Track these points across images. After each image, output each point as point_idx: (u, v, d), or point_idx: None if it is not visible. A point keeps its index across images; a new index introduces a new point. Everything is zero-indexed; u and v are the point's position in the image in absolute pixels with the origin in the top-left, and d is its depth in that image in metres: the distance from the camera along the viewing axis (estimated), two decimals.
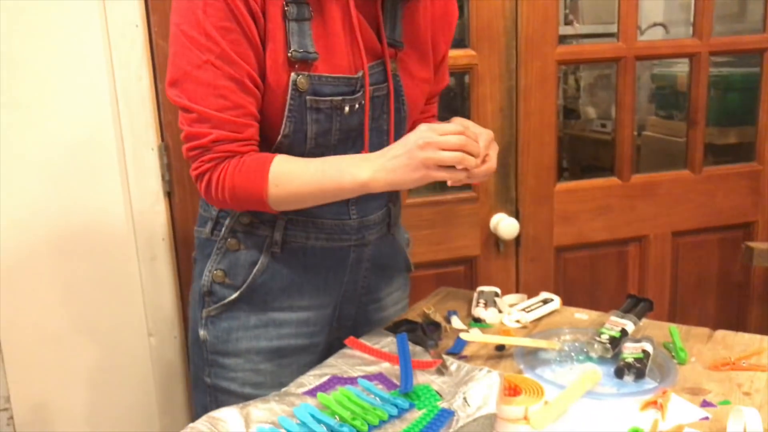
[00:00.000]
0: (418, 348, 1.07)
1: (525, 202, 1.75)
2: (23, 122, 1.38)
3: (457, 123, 0.97)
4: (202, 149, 0.96)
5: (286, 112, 0.97)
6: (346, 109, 1.01)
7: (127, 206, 1.47)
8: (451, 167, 0.93)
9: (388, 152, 0.95)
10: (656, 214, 1.86)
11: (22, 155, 1.39)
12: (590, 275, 1.85)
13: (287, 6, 0.96)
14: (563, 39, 1.72)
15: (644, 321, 1.19)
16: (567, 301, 1.30)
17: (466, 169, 0.93)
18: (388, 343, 1.09)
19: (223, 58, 0.93)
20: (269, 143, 1.01)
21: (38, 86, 1.38)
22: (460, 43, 1.63)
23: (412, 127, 1.01)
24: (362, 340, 1.09)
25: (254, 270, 1.07)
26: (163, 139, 1.48)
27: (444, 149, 0.91)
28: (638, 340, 1.07)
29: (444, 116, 1.18)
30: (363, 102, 1.02)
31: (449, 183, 0.96)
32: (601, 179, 1.85)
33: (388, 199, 1.16)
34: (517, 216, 1.74)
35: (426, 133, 0.92)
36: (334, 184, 0.95)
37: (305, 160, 0.98)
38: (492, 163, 0.99)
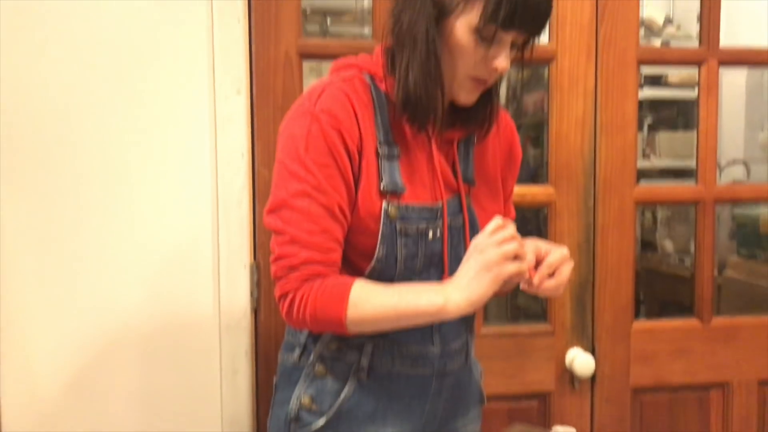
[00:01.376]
0: None
1: (601, 339, 1.73)
2: (129, 233, 1.51)
3: (529, 243, 1.05)
4: (290, 269, 1.04)
5: (379, 238, 1.06)
6: (430, 234, 1.09)
7: (216, 319, 1.56)
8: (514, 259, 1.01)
9: (458, 275, 1.02)
10: (739, 360, 1.79)
11: (123, 262, 1.51)
12: (669, 420, 1.78)
13: (380, 146, 1.08)
14: (640, 173, 1.77)
15: None
16: None
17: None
18: None
19: (318, 188, 1.04)
20: (361, 271, 1.08)
21: (147, 200, 1.52)
22: (538, 179, 1.69)
23: None
24: None
25: (341, 396, 1.11)
26: (255, 258, 1.58)
27: (501, 244, 0.99)
28: None
29: None
30: (443, 229, 1.11)
31: (522, 277, 1.03)
32: (680, 320, 1.82)
33: (466, 329, 1.20)
34: (593, 352, 1.72)
35: (478, 240, 1.02)
36: (410, 307, 1.01)
37: (384, 285, 1.05)
38: (562, 277, 1.06)
